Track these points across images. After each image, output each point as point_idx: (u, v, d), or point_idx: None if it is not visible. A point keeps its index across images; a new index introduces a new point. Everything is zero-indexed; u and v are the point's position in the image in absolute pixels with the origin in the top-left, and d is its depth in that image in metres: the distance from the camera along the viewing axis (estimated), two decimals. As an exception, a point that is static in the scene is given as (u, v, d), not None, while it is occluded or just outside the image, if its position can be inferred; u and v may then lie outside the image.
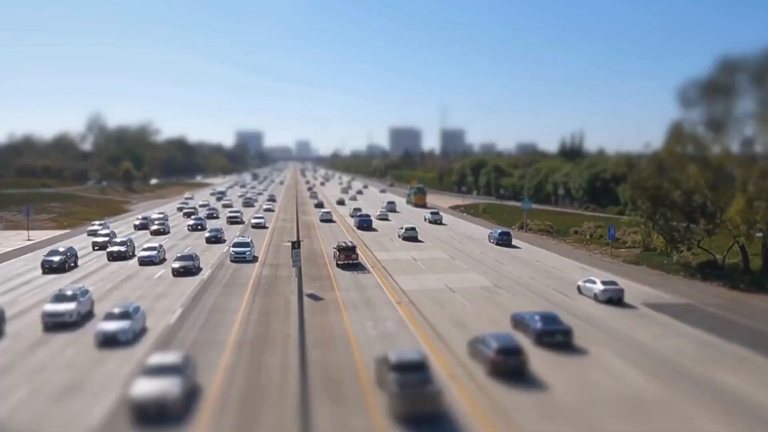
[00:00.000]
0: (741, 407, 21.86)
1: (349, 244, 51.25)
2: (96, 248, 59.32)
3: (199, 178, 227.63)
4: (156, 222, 77.34)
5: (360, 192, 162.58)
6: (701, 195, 46.37)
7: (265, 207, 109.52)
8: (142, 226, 78.10)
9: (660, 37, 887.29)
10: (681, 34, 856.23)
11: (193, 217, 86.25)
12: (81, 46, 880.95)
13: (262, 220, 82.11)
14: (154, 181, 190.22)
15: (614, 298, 37.56)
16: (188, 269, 45.80)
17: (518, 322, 31.15)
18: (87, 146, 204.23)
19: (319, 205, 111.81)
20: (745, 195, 42.77)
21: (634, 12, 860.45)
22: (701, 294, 40.97)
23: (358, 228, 78.62)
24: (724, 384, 24.02)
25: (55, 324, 31.05)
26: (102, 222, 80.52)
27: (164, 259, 52.12)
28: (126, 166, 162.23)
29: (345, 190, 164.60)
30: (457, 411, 21.12)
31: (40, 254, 57.40)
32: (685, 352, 28.18)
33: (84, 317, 32.70)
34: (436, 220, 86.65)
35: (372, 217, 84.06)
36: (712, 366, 26.15)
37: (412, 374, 21.13)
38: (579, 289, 40.42)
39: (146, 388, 20.76)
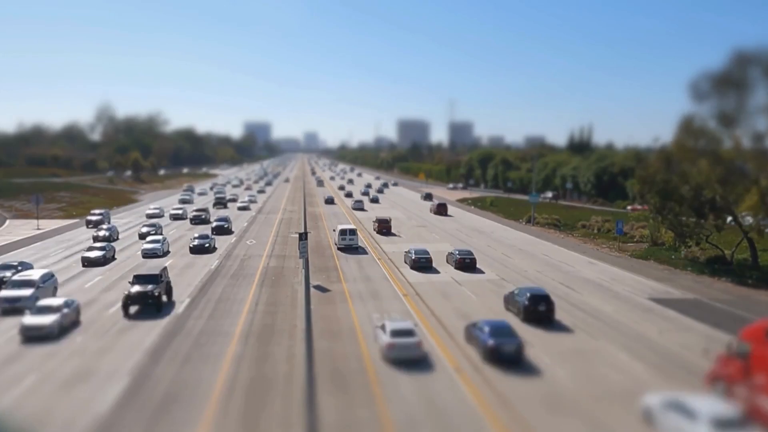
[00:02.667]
0: (747, 403, 21.80)
1: None
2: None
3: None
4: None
5: None
6: (711, 190, 46.04)
7: None
8: None
9: (669, 32, 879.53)
10: (690, 30, 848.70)
11: None
12: (91, 39, 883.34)
13: None
14: (162, 171, 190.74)
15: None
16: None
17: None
18: (96, 136, 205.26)
19: None
20: (758, 190, 42.43)
21: (643, 8, 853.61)
22: (709, 289, 40.80)
23: None
24: (730, 379, 23.95)
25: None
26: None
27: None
28: (134, 156, 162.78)
29: None
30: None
31: (49, 243, 58.14)
32: (692, 347, 28.09)
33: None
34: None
35: None
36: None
37: None
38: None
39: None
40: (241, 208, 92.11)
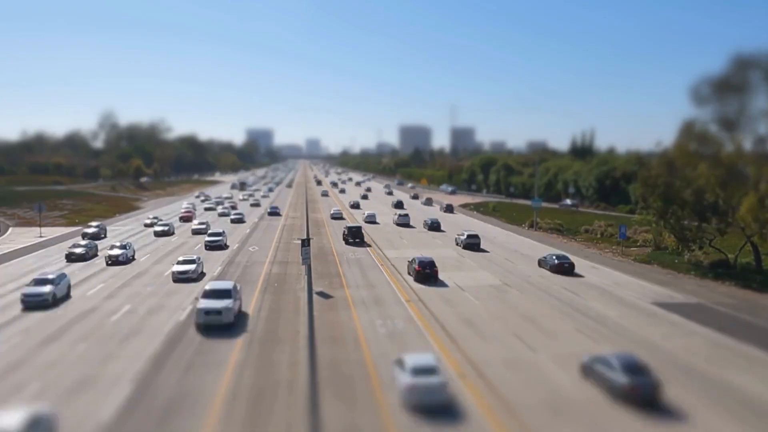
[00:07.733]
0: (751, 407, 21.72)
1: None
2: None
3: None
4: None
5: None
6: (713, 193, 45.98)
7: None
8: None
9: (670, 37, 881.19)
10: (692, 35, 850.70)
11: None
12: (93, 46, 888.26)
13: None
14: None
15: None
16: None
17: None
18: (98, 144, 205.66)
19: None
20: (757, 193, 42.39)
21: (644, 13, 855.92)
22: (712, 293, 40.67)
23: None
24: (734, 384, 23.87)
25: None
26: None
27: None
28: (136, 164, 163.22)
29: None
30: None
31: (51, 251, 58.23)
32: (696, 351, 28.01)
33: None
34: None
35: None
36: (722, 366, 25.99)
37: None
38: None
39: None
40: None
